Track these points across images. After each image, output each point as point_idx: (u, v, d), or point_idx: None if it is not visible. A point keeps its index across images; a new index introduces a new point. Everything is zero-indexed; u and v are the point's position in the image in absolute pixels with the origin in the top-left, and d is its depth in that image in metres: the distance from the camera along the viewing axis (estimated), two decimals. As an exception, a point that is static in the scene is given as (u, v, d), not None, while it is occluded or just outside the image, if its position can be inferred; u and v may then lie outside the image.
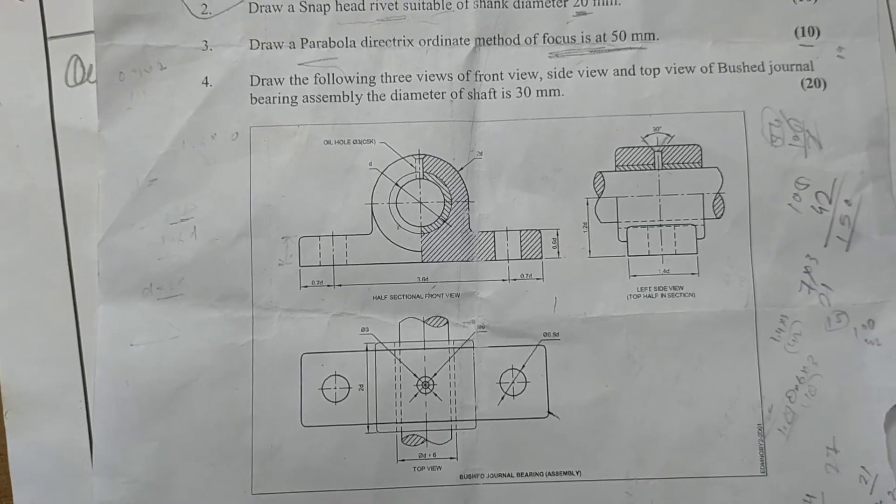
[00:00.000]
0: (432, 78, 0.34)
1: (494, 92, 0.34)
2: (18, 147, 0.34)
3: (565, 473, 0.33)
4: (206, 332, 0.33)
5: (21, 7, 0.34)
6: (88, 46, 0.34)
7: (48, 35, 0.34)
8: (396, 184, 0.34)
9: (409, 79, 0.34)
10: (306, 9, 0.34)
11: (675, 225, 0.34)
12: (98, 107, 0.34)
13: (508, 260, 0.34)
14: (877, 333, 0.34)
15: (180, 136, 0.34)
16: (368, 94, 0.34)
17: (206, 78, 0.34)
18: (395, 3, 0.34)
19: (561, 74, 0.34)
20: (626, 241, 0.34)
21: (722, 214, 0.34)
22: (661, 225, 0.34)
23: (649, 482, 0.33)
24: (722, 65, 0.34)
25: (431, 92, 0.34)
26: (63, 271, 0.34)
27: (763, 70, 0.34)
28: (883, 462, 0.33)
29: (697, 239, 0.34)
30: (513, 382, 0.34)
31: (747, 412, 0.33)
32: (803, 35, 0.35)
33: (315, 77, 0.34)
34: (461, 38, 0.34)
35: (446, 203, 0.34)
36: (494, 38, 0.34)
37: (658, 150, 0.34)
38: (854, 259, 0.34)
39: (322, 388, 0.33)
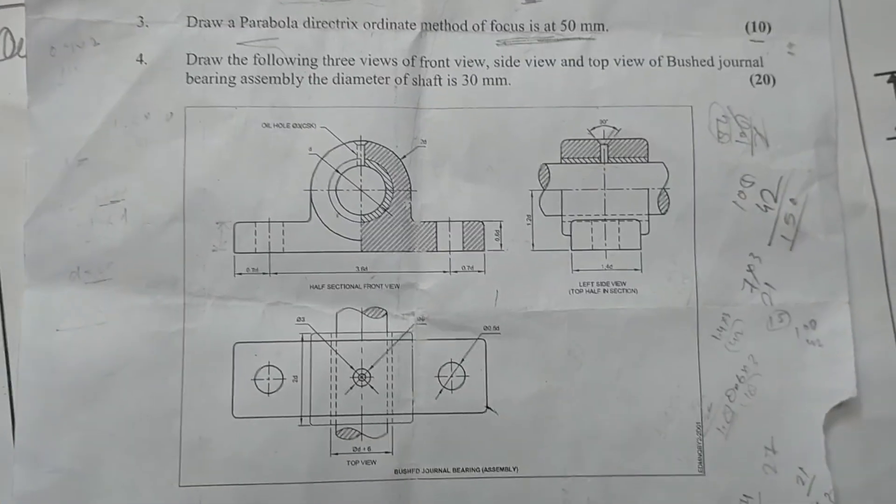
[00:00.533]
0: (376, 62, 0.33)
1: (440, 79, 0.33)
2: (-58, 121, 0.33)
3: (502, 469, 0.33)
4: (135, 319, 0.32)
5: (-54, -25, 0.33)
6: (19, 19, 0.33)
7: (-24, 5, 0.33)
8: (337, 170, 0.33)
9: (352, 62, 0.33)
10: (247, -14, 0.33)
11: (619, 220, 0.34)
12: (28, 82, 0.32)
13: (450, 251, 0.33)
14: (818, 334, 0.33)
15: (112, 115, 0.33)
16: (310, 77, 0.33)
17: (141, 55, 0.33)
18: (340, -16, 0.33)
19: (508, 63, 0.34)
20: (570, 235, 0.33)
21: (667, 210, 0.34)
22: (605, 219, 0.34)
23: (586, 479, 0.33)
24: (671, 58, 0.34)
25: (375, 77, 0.33)
26: (-13, 252, 0.33)
27: (712, 65, 0.34)
28: (821, 463, 0.33)
29: (641, 234, 0.34)
30: (451, 376, 0.33)
31: (687, 410, 0.33)
32: (754, 30, 0.34)
33: (254, 57, 0.33)
34: (407, 23, 0.33)
35: (388, 191, 0.33)
36: (441, 23, 0.34)
37: (604, 144, 0.34)
38: (798, 258, 0.34)
39: (255, 379, 0.33)
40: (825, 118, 0.34)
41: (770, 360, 0.33)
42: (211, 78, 0.33)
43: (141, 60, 0.33)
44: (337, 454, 0.33)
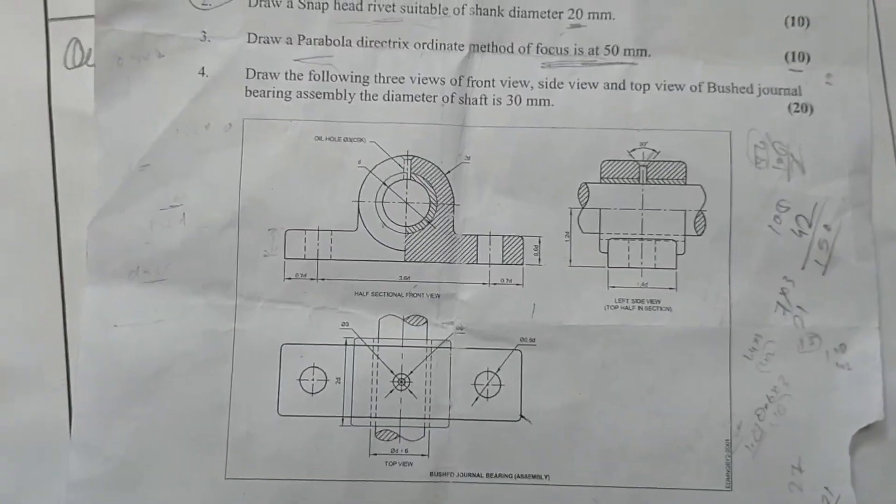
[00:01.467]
0: (425, 81, 0.35)
1: (485, 98, 0.35)
2: (14, 126, 0.34)
3: (534, 477, 0.34)
4: (189, 318, 0.34)
5: (24, -13, 0.35)
6: (88, 30, 0.34)
7: (49, 17, 0.35)
8: (384, 183, 0.34)
9: (402, 80, 0.35)
10: (305, 6, 0.35)
11: (656, 239, 0.34)
12: (95, 90, 0.34)
13: (490, 264, 0.34)
14: (848, 358, 0.34)
15: (174, 124, 0.34)
16: (361, 94, 0.35)
17: (203, 68, 0.34)
18: (393, 6, 0.35)
19: (552, 85, 0.35)
20: (607, 253, 0.34)
21: (703, 232, 0.34)
22: (642, 238, 0.34)
23: (616, 490, 0.34)
24: (711, 85, 0.35)
25: (423, 95, 0.35)
26: (52, 251, 0.34)
27: (751, 92, 0.35)
28: (846, 484, 0.34)
29: (677, 254, 0.34)
30: (487, 385, 0.34)
31: (716, 427, 0.34)
32: (793, 60, 0.35)
33: (310, 74, 0.35)
34: (456, 44, 0.35)
35: (432, 205, 0.34)
36: (489, 45, 0.35)
37: (644, 165, 0.35)
38: (830, 283, 0.34)
39: (300, 379, 0.34)
40: (860, 147, 0.35)
41: (800, 382, 0.34)
42: (268, 92, 0.34)
43: (203, 73, 0.34)
44: (376, 455, 0.34)
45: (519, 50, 0.35)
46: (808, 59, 0.35)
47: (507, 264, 0.34)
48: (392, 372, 0.34)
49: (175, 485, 0.33)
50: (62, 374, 0.34)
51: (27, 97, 0.34)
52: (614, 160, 0.35)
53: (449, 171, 0.34)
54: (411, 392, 0.34)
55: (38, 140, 0.34)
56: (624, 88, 0.35)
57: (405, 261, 0.34)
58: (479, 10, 0.35)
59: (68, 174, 0.34)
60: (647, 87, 0.35)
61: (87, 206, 0.34)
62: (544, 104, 0.35)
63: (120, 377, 0.33)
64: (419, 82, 0.35)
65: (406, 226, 0.34)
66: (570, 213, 0.34)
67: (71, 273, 0.34)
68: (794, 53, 0.35)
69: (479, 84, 0.35)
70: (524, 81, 0.35)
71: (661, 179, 0.35)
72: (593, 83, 0.35)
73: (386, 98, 0.35)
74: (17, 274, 0.34)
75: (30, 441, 0.34)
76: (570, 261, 0.34)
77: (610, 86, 0.35)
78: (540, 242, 0.34)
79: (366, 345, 0.34)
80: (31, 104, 0.34)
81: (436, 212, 0.34)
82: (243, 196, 0.34)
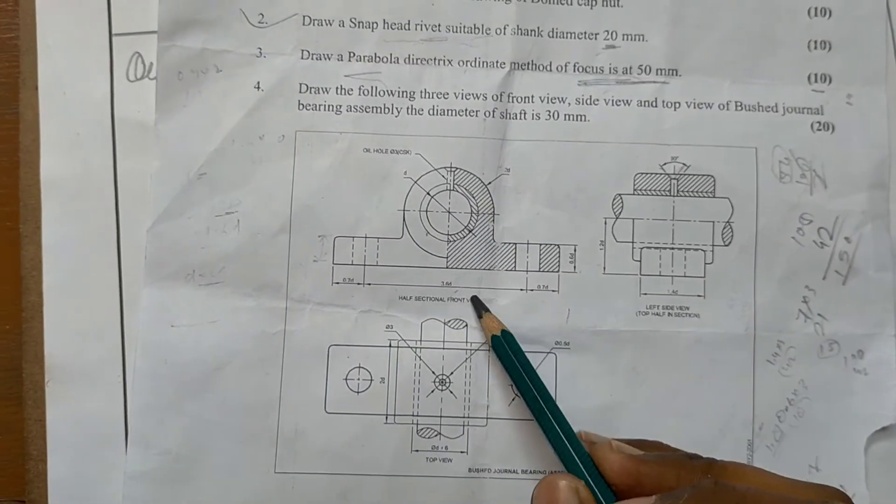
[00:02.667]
0: (468, 97, 0.36)
1: (525, 113, 0.36)
2: (79, 135, 0.36)
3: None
4: (242, 319, 0.35)
5: (91, 4, 0.36)
6: (150, 45, 0.36)
7: (113, 32, 0.36)
8: (428, 193, 0.36)
9: (446, 96, 0.36)
10: (356, 25, 0.36)
11: (685, 249, 0.36)
12: (156, 102, 0.36)
13: (527, 271, 0.36)
14: (865, 363, 0.36)
15: (230, 136, 0.36)
16: (408, 108, 0.36)
17: (258, 83, 0.36)
18: (439, 26, 0.37)
19: (588, 101, 0.37)
20: (640, 261, 0.36)
21: (730, 242, 0.36)
22: (672, 248, 0.36)
23: (645, 487, 0.35)
24: (738, 103, 0.37)
25: (466, 110, 0.36)
26: (112, 254, 0.36)
27: (776, 111, 0.37)
28: (861, 482, 0.35)
29: (706, 264, 0.36)
30: (524, 386, 0.36)
31: (739, 428, 0.36)
32: (816, 81, 0.37)
33: (359, 89, 0.36)
34: (497, 62, 0.37)
35: (473, 214, 0.36)
36: (528, 63, 0.37)
37: (674, 178, 0.36)
38: (849, 293, 0.36)
39: (346, 379, 0.35)
40: (879, 164, 0.37)
41: (819, 386, 0.36)
42: (320, 106, 0.36)
43: (258, 87, 0.36)
44: (417, 451, 0.35)
45: (557, 68, 0.37)
46: (830, 81, 0.37)
47: (543, 271, 0.36)
48: (433, 373, 0.36)
49: (227, 478, 0.35)
50: (118, 372, 0.35)
51: (91, 108, 0.36)
52: (647, 173, 0.36)
53: (490, 183, 0.36)
54: (451, 392, 0.36)
55: (102, 148, 0.36)
56: (656, 106, 0.37)
57: (447, 267, 0.36)
58: (519, 31, 0.37)
59: (129, 181, 0.36)
60: (677, 104, 0.37)
61: (147, 211, 0.35)
62: (580, 120, 0.37)
63: (175, 375, 0.35)
64: (462, 98, 0.36)
65: (448, 234, 0.36)
66: (605, 223, 0.36)
67: (130, 275, 0.35)
68: (816, 75, 0.37)
69: (519, 100, 0.37)
70: (561, 98, 0.37)
71: (691, 192, 0.36)
72: (627, 100, 0.37)
73: (431, 113, 0.36)
74: (79, 275, 0.35)
75: (86, 435, 0.35)
76: (604, 268, 0.36)
77: (643, 103, 0.37)
78: (575, 251, 0.36)
79: (409, 347, 0.36)
80: (95, 115, 0.36)
81: (477, 221, 0.36)
82: (295, 204, 0.36)
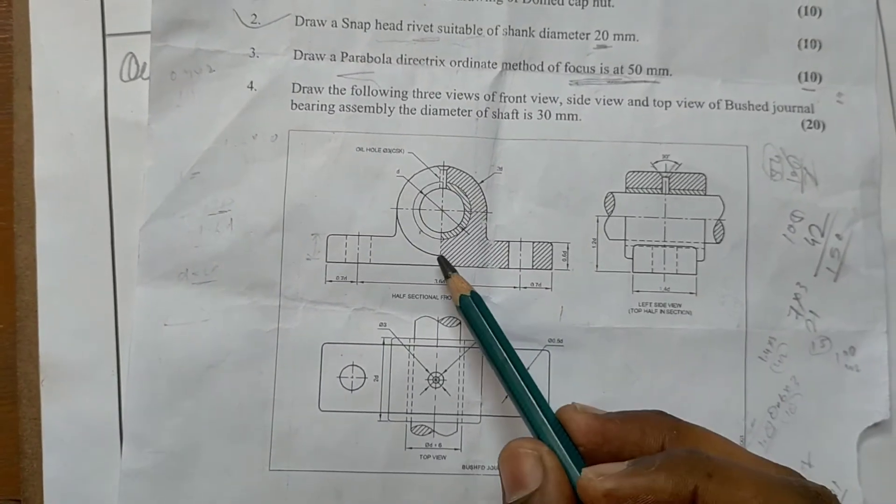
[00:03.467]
0: (460, 96, 0.37)
1: (517, 113, 0.37)
2: (72, 134, 0.36)
3: (560, 470, 0.36)
4: (235, 318, 0.35)
5: (84, 5, 0.36)
6: (144, 45, 0.36)
7: (107, 32, 0.36)
8: (421, 191, 0.36)
9: (438, 96, 0.37)
10: (348, 25, 0.37)
11: (677, 246, 0.36)
12: (149, 102, 0.36)
13: (520, 269, 0.36)
14: (856, 360, 0.36)
15: (224, 135, 0.36)
16: (400, 108, 0.37)
17: (252, 82, 0.36)
18: (431, 26, 0.37)
19: (580, 101, 0.37)
20: (632, 259, 0.36)
21: (721, 240, 0.36)
22: (664, 245, 0.36)
23: (637, 484, 0.35)
24: (729, 102, 0.37)
25: (459, 109, 0.37)
26: (105, 253, 0.36)
27: (767, 110, 0.37)
28: (853, 478, 0.36)
29: (697, 261, 0.36)
30: (517, 383, 0.36)
31: (732, 424, 0.36)
32: (806, 80, 0.37)
33: (352, 88, 0.36)
34: (489, 62, 0.37)
35: (466, 212, 0.36)
36: (520, 63, 0.37)
37: (666, 176, 0.37)
38: (841, 289, 0.36)
39: (340, 377, 0.36)
40: (870, 161, 0.37)
41: (811, 382, 0.36)
42: (313, 105, 0.36)
43: (251, 87, 0.36)
44: (411, 448, 0.35)
45: (548, 68, 0.37)
46: (821, 79, 0.37)
47: (536, 269, 0.36)
48: (427, 370, 0.36)
49: (221, 475, 0.35)
50: (113, 370, 0.35)
51: (85, 108, 0.36)
52: (638, 171, 0.37)
53: (482, 181, 0.36)
54: (445, 390, 0.36)
55: (95, 148, 0.36)
56: (647, 105, 0.37)
57: (440, 265, 0.36)
58: (511, 31, 0.37)
59: (122, 180, 0.36)
60: (668, 103, 0.37)
61: (140, 210, 0.36)
62: (572, 119, 0.37)
63: (169, 373, 0.35)
64: (455, 97, 0.37)
65: (441, 232, 0.36)
66: (597, 221, 0.36)
67: (123, 274, 0.36)
68: (807, 73, 0.37)
69: (511, 100, 0.37)
70: (553, 97, 0.37)
71: (683, 190, 0.37)
72: (618, 100, 0.37)
73: (423, 112, 0.37)
74: (73, 274, 0.35)
75: (81, 433, 0.35)
76: (597, 266, 0.36)
77: (634, 102, 0.37)
78: (568, 248, 0.36)
79: (402, 344, 0.36)
80: (88, 114, 0.36)
81: (469, 219, 0.36)
82: (288, 203, 0.36)
